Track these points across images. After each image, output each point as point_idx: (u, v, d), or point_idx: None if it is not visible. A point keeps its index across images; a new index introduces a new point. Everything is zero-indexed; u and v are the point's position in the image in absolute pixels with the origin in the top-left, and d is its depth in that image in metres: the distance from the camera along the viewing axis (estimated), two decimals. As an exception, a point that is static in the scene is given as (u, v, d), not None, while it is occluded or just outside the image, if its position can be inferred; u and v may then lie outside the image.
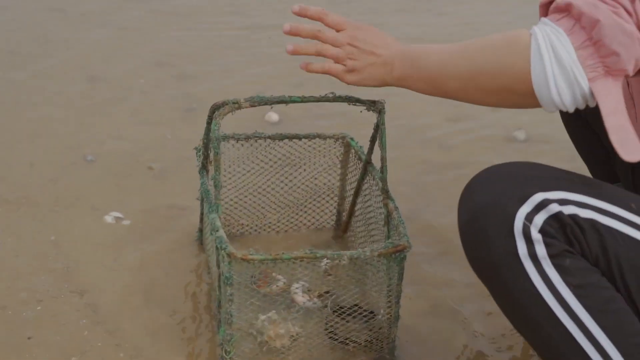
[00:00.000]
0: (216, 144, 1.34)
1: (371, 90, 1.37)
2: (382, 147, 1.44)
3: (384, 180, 1.47)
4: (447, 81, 1.13)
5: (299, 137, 1.72)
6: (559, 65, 0.98)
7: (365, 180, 1.64)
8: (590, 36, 0.96)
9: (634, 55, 0.97)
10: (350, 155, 1.73)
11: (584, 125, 1.59)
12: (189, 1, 3.72)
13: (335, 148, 1.75)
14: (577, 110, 1.54)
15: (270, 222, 1.81)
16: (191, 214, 1.88)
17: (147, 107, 2.53)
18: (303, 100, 1.39)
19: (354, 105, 1.43)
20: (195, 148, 1.64)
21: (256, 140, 1.70)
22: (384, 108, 1.45)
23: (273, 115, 2.44)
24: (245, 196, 1.77)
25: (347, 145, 1.73)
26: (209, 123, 1.44)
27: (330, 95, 1.41)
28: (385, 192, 1.47)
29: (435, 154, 2.30)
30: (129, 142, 2.27)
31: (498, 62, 1.05)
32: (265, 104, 1.38)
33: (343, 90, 1.49)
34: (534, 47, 1.00)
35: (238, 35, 3.28)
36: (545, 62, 0.99)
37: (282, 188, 1.78)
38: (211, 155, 1.40)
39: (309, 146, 1.73)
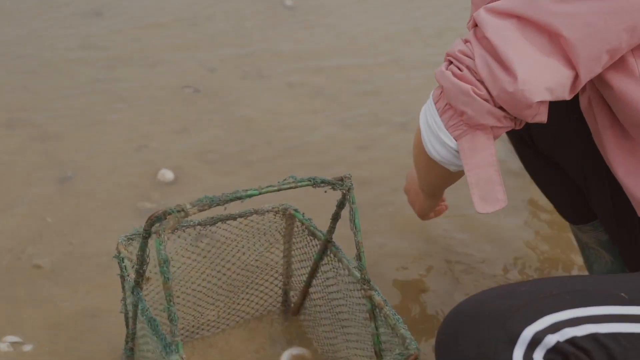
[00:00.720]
0: (165, 268, 1.05)
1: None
2: (357, 231, 1.22)
3: (362, 269, 1.24)
4: (420, 177, 1.27)
5: (233, 218, 1.45)
6: (430, 131, 1.07)
7: (325, 261, 1.41)
8: (447, 100, 1.04)
9: (483, 110, 1.00)
10: (295, 228, 1.49)
11: (548, 164, 1.46)
12: (29, 39, 3.22)
13: (275, 222, 1.49)
14: (539, 149, 1.43)
15: (209, 320, 1.52)
16: (107, 321, 1.55)
17: (9, 184, 2.08)
18: (261, 192, 1.14)
19: (319, 187, 1.19)
20: (116, 256, 1.32)
21: (184, 230, 1.41)
22: (352, 185, 1.22)
23: (167, 174, 2.13)
24: (178, 296, 1.47)
25: (290, 217, 1.48)
26: (145, 237, 1.14)
27: (291, 181, 1.16)
28: (366, 282, 1.25)
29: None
30: (1, 235, 1.87)
31: (417, 143, 1.15)
32: (218, 204, 1.11)
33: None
34: (420, 122, 1.11)
35: (103, 74, 2.82)
36: (422, 131, 1.09)
37: (219, 279, 1.50)
38: (159, 278, 1.11)
39: (246, 225, 1.47)
